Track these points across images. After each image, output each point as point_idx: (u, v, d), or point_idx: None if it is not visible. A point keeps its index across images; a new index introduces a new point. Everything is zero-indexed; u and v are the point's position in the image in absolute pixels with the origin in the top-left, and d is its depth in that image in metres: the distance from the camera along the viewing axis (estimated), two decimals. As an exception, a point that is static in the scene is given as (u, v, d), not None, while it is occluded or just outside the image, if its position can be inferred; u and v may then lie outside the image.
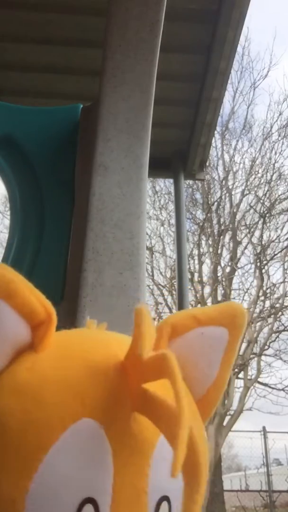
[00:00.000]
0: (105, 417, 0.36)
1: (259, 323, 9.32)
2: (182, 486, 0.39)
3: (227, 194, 9.97)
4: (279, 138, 9.89)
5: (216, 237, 9.77)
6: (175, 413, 0.31)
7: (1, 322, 0.40)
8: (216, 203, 9.93)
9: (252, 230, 9.72)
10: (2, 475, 0.36)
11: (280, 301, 9.29)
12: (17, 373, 0.40)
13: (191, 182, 8.90)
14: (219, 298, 9.59)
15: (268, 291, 9.45)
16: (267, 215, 9.61)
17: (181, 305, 3.12)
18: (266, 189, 9.75)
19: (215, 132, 3.50)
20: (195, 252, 9.71)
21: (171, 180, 3.40)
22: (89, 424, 0.36)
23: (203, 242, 9.90)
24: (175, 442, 0.30)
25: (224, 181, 10.04)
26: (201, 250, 9.80)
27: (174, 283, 8.59)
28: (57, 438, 0.35)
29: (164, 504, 0.38)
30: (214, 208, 9.89)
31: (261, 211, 9.64)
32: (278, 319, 9.30)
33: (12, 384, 0.40)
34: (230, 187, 10.00)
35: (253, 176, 9.96)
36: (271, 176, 9.79)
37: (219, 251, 9.70)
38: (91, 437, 0.36)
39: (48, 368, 0.40)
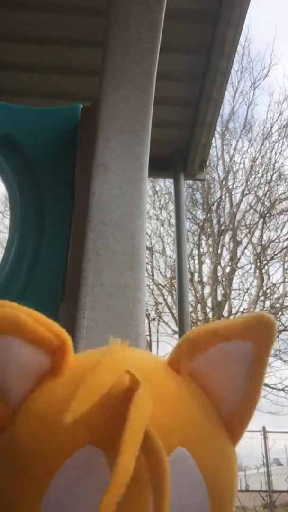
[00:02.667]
0: (107, 444, 0.37)
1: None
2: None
3: (227, 194, 9.97)
4: (279, 138, 9.89)
5: (216, 237, 9.77)
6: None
7: (16, 355, 0.42)
8: (216, 203, 9.92)
9: (252, 230, 9.72)
10: (17, 496, 0.38)
11: (280, 301, 9.29)
12: (35, 399, 0.42)
13: (191, 182, 8.90)
14: (219, 298, 9.59)
15: (268, 291, 9.45)
16: (267, 215, 9.61)
17: (181, 305, 3.12)
18: (266, 189, 9.75)
19: (215, 132, 3.50)
20: (195, 252, 9.70)
21: (171, 180, 3.40)
22: (93, 450, 0.36)
23: (203, 242, 9.90)
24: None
25: (224, 181, 10.04)
26: (201, 250, 9.80)
27: (174, 283, 8.59)
28: (64, 463, 0.36)
29: None
30: (214, 208, 9.89)
31: (261, 211, 9.64)
32: (278, 319, 9.29)
33: (29, 411, 0.41)
34: (230, 187, 10.00)
35: (253, 176, 9.96)
36: (271, 176, 9.79)
37: (219, 251, 9.70)
38: (94, 463, 0.37)
39: (61, 394, 0.41)
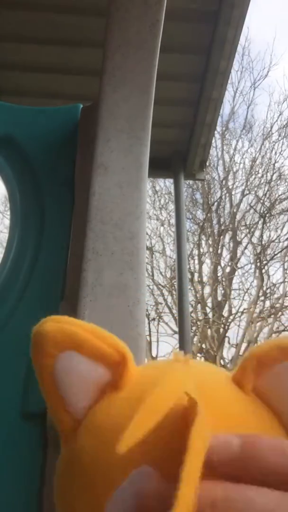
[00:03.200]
0: (163, 466, 0.36)
1: (259, 323, 9.32)
2: None
3: (227, 194, 9.98)
4: (279, 138, 9.89)
5: (216, 237, 9.78)
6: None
7: (77, 370, 0.43)
8: (216, 203, 9.93)
9: (252, 230, 9.73)
10: (78, 506, 0.39)
11: (280, 301, 9.29)
12: (96, 413, 0.43)
13: (191, 182, 8.91)
14: (219, 298, 9.59)
15: (268, 291, 9.45)
16: (267, 215, 9.61)
17: (181, 305, 3.12)
18: (266, 189, 9.75)
19: (215, 132, 3.50)
20: (195, 252, 9.71)
21: (171, 180, 3.41)
22: (148, 471, 0.36)
23: (203, 242, 9.91)
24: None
25: (224, 181, 10.05)
26: (201, 250, 9.81)
27: (174, 283, 8.59)
28: (121, 482, 0.36)
29: None
30: (214, 208, 9.89)
31: (261, 211, 9.65)
32: (278, 319, 9.30)
33: (89, 424, 0.42)
34: (230, 187, 10.01)
35: (253, 176, 9.97)
36: (271, 176, 9.79)
37: (219, 251, 9.70)
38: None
39: (120, 408, 0.41)
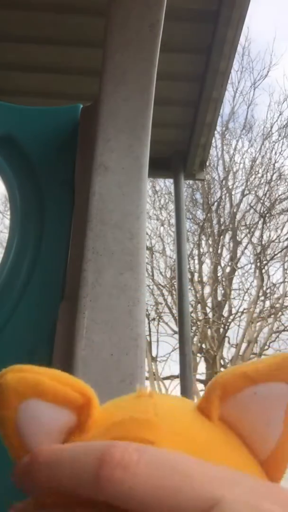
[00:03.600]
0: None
1: (259, 323, 9.32)
2: None
3: (227, 194, 9.98)
4: (279, 138, 9.89)
5: (216, 237, 9.78)
6: None
7: (41, 418, 0.43)
8: (216, 203, 9.93)
9: (252, 230, 9.73)
10: None
11: (280, 301, 9.29)
12: None
13: (191, 182, 8.91)
14: (219, 298, 9.59)
15: (268, 291, 9.46)
16: (267, 215, 9.62)
17: (181, 305, 3.12)
18: (266, 189, 9.76)
19: (215, 132, 3.50)
20: (195, 252, 9.71)
21: (171, 180, 3.40)
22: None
23: (203, 242, 9.91)
24: None
25: (224, 181, 10.05)
26: (201, 250, 9.81)
27: (174, 283, 8.59)
28: None
29: None
30: (214, 208, 9.89)
31: (261, 211, 9.65)
32: (278, 319, 9.30)
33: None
34: (230, 187, 10.01)
35: (253, 176, 9.97)
36: (271, 176, 9.79)
37: (219, 251, 9.70)
38: None
39: None
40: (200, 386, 8.87)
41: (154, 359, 9.23)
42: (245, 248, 9.78)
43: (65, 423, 0.43)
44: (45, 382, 0.43)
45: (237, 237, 9.75)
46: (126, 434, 0.37)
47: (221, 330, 9.31)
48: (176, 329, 7.63)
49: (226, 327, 9.28)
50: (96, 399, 0.44)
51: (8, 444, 0.43)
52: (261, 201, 9.70)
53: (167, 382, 9.21)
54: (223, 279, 9.57)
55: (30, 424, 0.43)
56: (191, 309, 8.90)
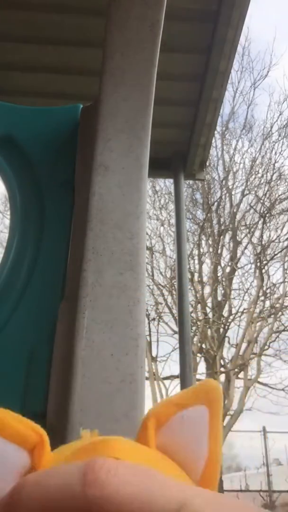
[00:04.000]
0: None
1: (259, 323, 9.32)
2: None
3: (227, 194, 9.98)
4: (279, 138, 9.89)
5: (216, 237, 9.78)
6: None
7: (2, 453, 0.46)
8: (216, 203, 9.93)
9: (252, 230, 9.73)
10: None
11: (280, 301, 9.29)
12: None
13: (191, 182, 8.91)
14: (219, 298, 9.59)
15: (268, 291, 9.46)
16: (267, 215, 9.62)
17: (181, 305, 3.12)
18: (266, 189, 9.76)
19: (215, 132, 3.50)
20: (195, 252, 9.71)
21: (171, 180, 3.41)
22: None
23: (203, 242, 9.91)
24: None
25: (224, 181, 10.05)
26: (201, 250, 9.81)
27: (174, 283, 8.59)
28: None
29: None
30: (214, 208, 9.89)
31: (261, 211, 9.65)
32: (278, 319, 9.30)
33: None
34: (230, 187, 10.01)
35: (253, 176, 9.97)
36: (271, 176, 9.79)
37: (219, 251, 9.71)
38: None
39: None
40: (200, 386, 8.86)
41: (154, 359, 9.23)
42: (245, 248, 9.78)
43: (20, 463, 0.45)
44: (5, 417, 0.45)
45: (237, 237, 9.75)
46: (93, 454, 0.39)
47: (221, 330, 9.31)
48: (176, 329, 7.63)
49: (226, 327, 9.28)
50: (47, 440, 0.47)
51: None
52: (261, 201, 9.70)
53: (167, 382, 9.21)
54: (223, 279, 9.57)
55: None
56: (191, 309, 8.90)
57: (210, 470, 0.48)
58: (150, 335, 9.12)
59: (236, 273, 9.65)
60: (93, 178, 1.02)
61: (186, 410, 0.46)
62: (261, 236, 9.61)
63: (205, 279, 9.68)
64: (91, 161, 1.04)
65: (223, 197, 9.97)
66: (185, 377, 2.91)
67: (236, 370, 8.86)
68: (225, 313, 9.44)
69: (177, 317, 3.73)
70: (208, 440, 0.47)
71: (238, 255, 9.69)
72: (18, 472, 0.46)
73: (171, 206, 9.22)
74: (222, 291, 9.57)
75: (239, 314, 9.42)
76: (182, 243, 3.16)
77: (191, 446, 0.47)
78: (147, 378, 8.76)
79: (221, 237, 9.78)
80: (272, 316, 9.27)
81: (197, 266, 9.65)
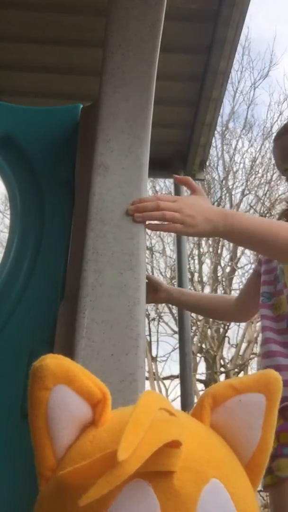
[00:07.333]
0: (152, 477, 0.42)
1: (259, 323, 9.30)
2: None
3: (227, 194, 9.98)
4: (279, 138, 9.86)
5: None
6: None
7: (68, 404, 0.47)
8: (216, 203, 9.92)
9: (252, 230, 9.70)
10: None
11: (280, 301, 9.27)
12: (82, 446, 0.47)
13: (191, 182, 8.89)
14: (219, 298, 9.57)
15: (268, 291, 9.43)
16: (267, 215, 9.61)
17: (181, 305, 3.12)
18: (266, 189, 9.75)
19: (215, 132, 3.50)
20: (195, 252, 9.71)
21: (171, 180, 3.40)
22: (140, 483, 0.42)
23: (203, 242, 9.90)
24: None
25: (224, 181, 10.04)
26: (201, 250, 9.80)
27: (174, 283, 8.59)
28: (115, 498, 0.41)
29: None
30: (214, 208, 9.87)
31: (261, 211, 9.64)
32: (278, 319, 9.27)
33: (75, 454, 0.46)
34: (230, 187, 10.00)
35: (253, 176, 9.97)
36: (271, 176, 9.78)
37: (219, 251, 9.70)
38: (142, 494, 0.42)
39: (106, 440, 0.46)
40: (200, 386, 8.87)
41: (154, 359, 9.23)
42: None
43: (83, 416, 0.47)
44: (75, 370, 0.47)
45: (237, 237, 9.73)
46: (143, 419, 0.41)
47: (221, 330, 9.30)
48: (176, 329, 7.63)
49: (226, 327, 9.27)
50: (110, 398, 0.49)
51: (34, 427, 0.47)
52: (261, 201, 9.70)
53: (167, 382, 9.21)
54: (223, 279, 9.57)
55: (58, 408, 0.47)
56: (191, 309, 8.87)
57: (259, 458, 0.50)
58: (150, 335, 9.12)
59: (236, 273, 9.65)
60: (93, 178, 1.02)
61: (244, 395, 0.48)
62: (261, 236, 9.59)
63: (205, 279, 9.68)
64: (91, 161, 1.04)
65: (223, 197, 9.97)
66: (185, 377, 2.91)
67: (236, 370, 8.86)
68: (225, 313, 9.42)
69: (177, 317, 3.73)
70: (261, 429, 0.48)
71: (238, 255, 9.69)
72: (80, 424, 0.48)
73: (171, 206, 9.20)
74: (222, 291, 9.56)
75: (239, 314, 9.40)
76: (182, 243, 3.16)
77: (244, 431, 0.48)
78: (147, 378, 8.77)
79: (221, 237, 9.76)
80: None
81: (197, 266, 9.65)
